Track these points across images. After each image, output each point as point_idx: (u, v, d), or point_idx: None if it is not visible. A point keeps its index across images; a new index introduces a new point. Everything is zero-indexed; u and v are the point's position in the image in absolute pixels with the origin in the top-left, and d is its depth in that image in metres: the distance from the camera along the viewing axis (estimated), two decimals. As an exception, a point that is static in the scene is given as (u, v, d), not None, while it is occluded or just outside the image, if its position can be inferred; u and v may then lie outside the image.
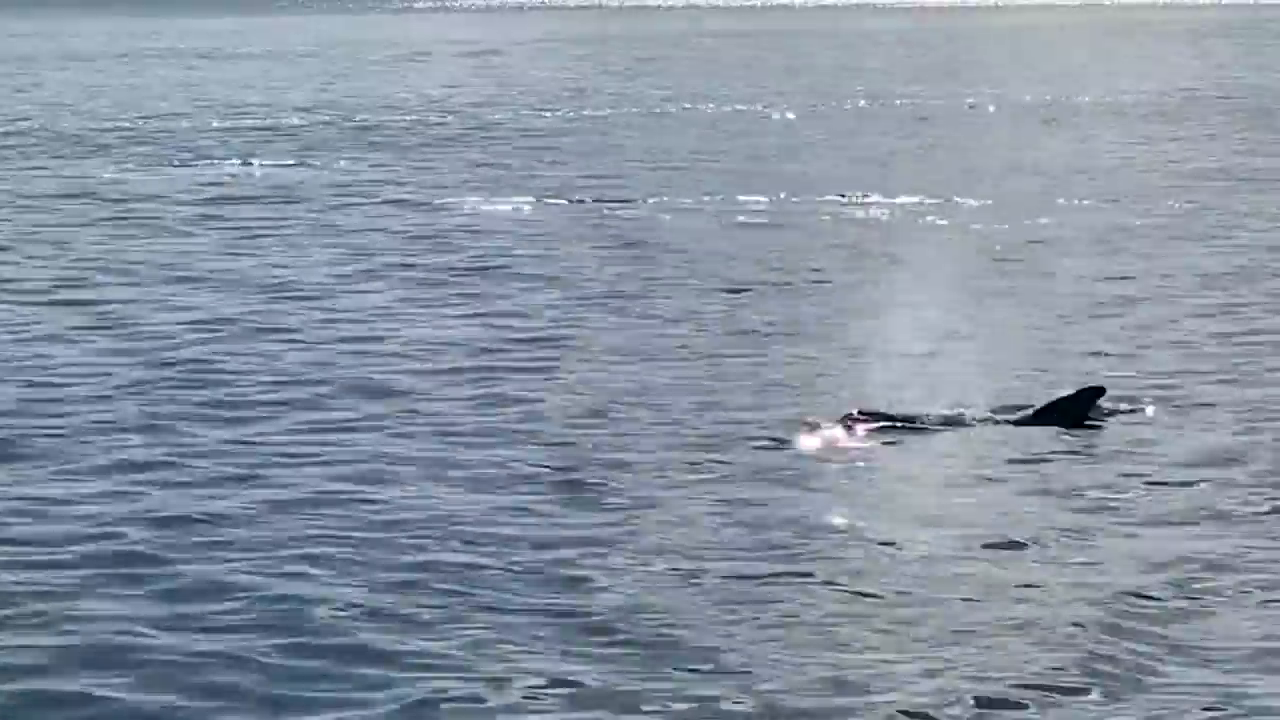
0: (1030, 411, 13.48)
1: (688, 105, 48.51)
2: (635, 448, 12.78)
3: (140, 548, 10.44)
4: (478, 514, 11.15)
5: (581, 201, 27.90)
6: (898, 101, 49.68)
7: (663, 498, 11.51)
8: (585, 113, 46.44)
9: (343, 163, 33.86)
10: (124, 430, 13.42)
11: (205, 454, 12.65)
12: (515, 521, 10.99)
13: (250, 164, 33.67)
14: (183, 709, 8.14)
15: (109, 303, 19.00)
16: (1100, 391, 13.64)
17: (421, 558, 10.26)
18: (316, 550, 10.37)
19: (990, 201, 27.29)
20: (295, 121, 43.17)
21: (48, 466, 12.39)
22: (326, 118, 44.21)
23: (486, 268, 21.54)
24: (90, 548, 10.45)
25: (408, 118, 44.45)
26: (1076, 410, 13.42)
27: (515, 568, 10.07)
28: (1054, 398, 13.58)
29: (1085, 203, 27.31)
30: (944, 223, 25.56)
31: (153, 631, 9.01)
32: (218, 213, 26.77)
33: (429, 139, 39.15)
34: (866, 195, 28.14)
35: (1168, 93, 51.28)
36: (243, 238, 24.16)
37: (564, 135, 39.99)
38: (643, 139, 39.16)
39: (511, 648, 8.79)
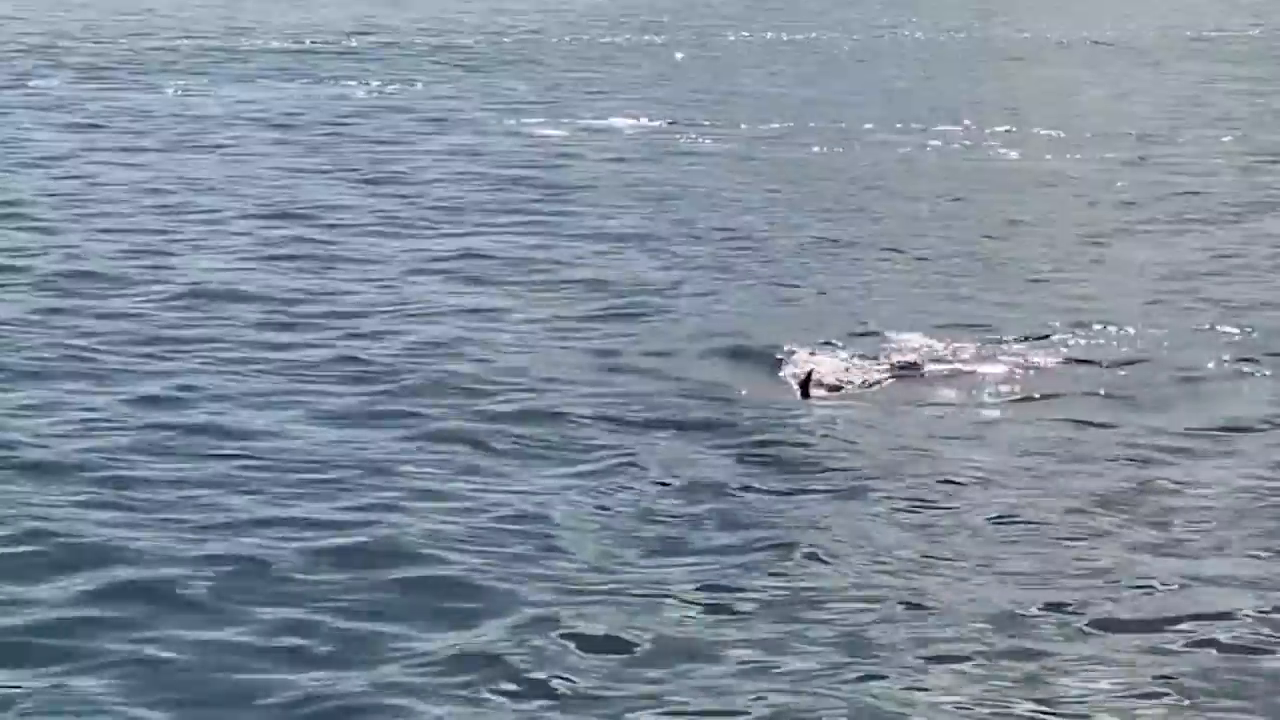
0: None
1: (745, 34, 48.04)
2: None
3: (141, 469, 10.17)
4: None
5: (666, 123, 27.74)
6: (942, 38, 49.04)
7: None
8: (645, 38, 46.01)
9: (400, 85, 33.50)
10: (128, 353, 13.16)
11: (209, 380, 12.37)
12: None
13: (312, 86, 33.27)
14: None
15: (148, 231, 18.53)
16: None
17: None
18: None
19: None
20: (351, 44, 42.73)
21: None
22: (381, 39, 43.73)
23: (553, 192, 21.33)
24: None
25: (465, 40, 43.97)
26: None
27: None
28: None
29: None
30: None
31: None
32: (284, 136, 26.38)
33: (487, 62, 38.71)
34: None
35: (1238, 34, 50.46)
36: (304, 163, 23.75)
37: (625, 59, 39.58)
38: (703, 65, 38.78)
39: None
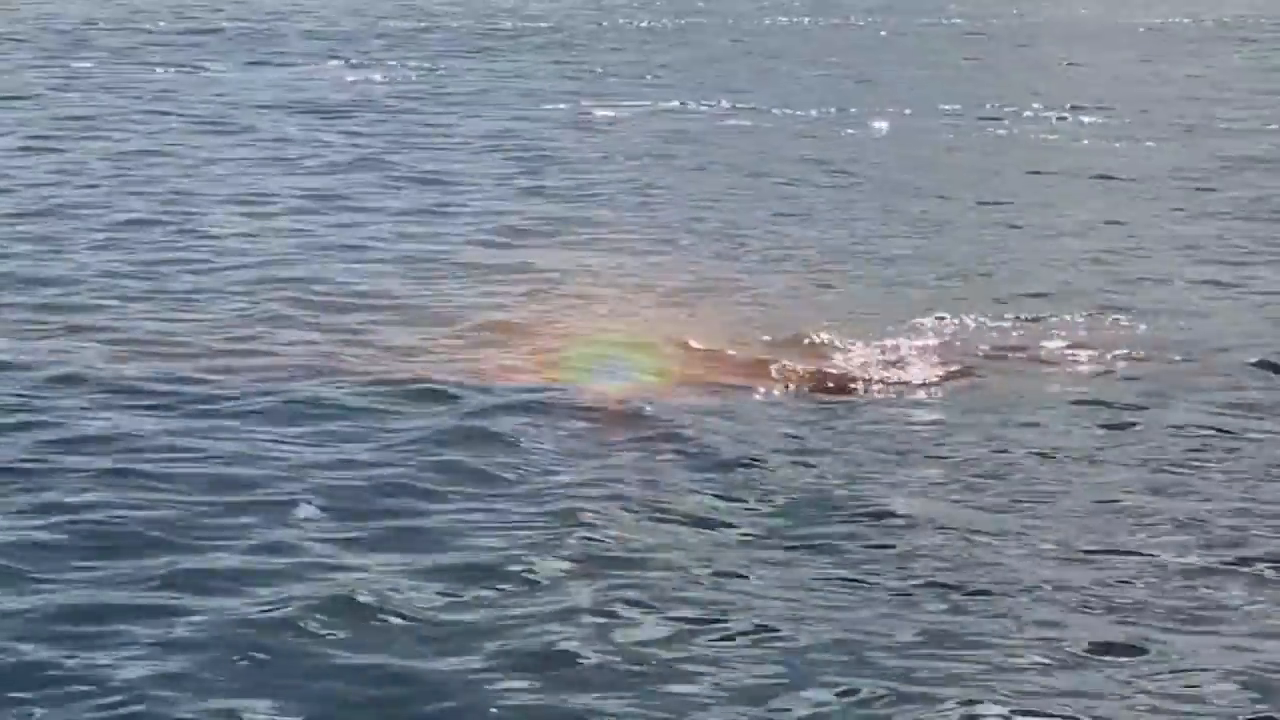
0: None
1: (782, 19, 47.82)
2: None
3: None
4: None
5: (700, 107, 27.65)
6: (994, 21, 48.73)
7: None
8: (681, 21, 45.85)
9: (433, 69, 33.41)
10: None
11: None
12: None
13: (344, 68, 33.21)
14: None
15: (192, 214, 18.39)
16: None
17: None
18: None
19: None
20: (390, 25, 42.70)
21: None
22: (416, 23, 43.68)
23: (582, 178, 21.18)
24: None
25: (501, 23, 43.90)
26: None
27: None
28: None
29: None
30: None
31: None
32: (314, 120, 26.29)
33: (522, 45, 38.62)
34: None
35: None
36: (335, 148, 23.63)
37: (660, 44, 39.45)
38: (740, 50, 38.63)
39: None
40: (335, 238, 17.04)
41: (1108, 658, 7.39)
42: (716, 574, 8.25)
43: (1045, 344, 13.14)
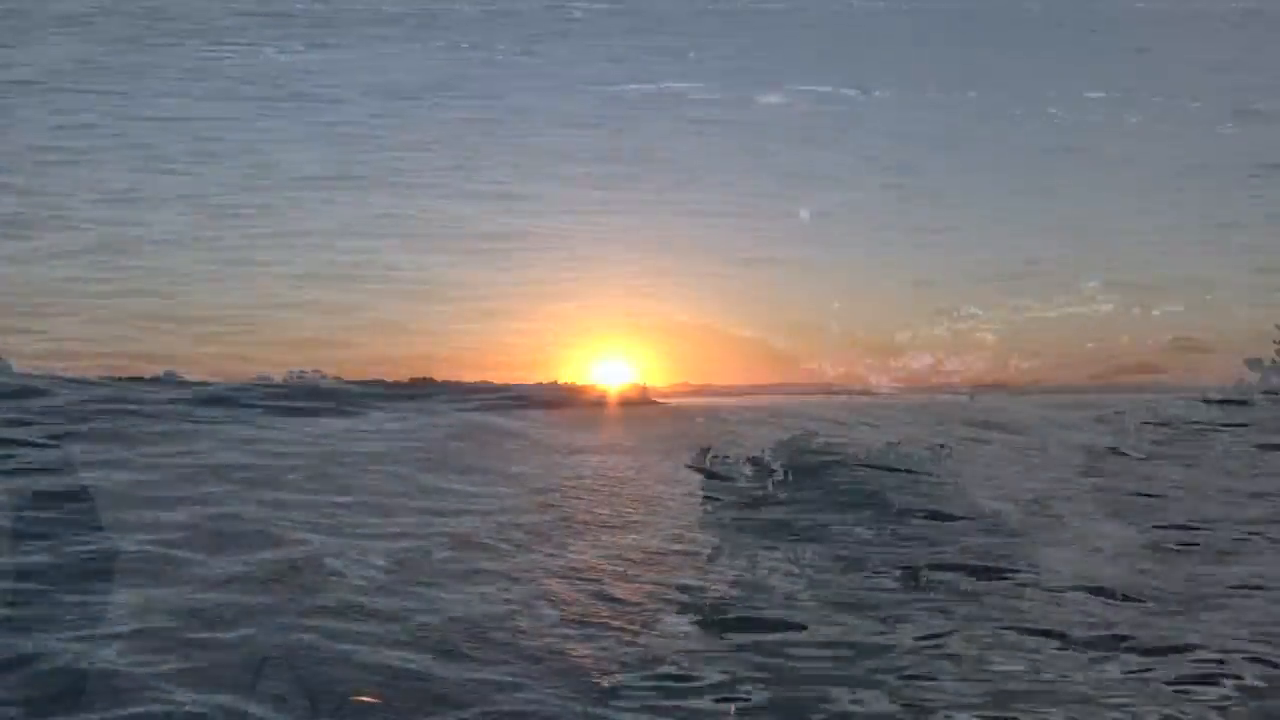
0: None
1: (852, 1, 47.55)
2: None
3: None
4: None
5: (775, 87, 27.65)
6: (1056, 8, 48.27)
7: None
8: (749, 4, 45.72)
9: (497, 50, 33.51)
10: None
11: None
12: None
13: (419, 52, 33.36)
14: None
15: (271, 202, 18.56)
16: None
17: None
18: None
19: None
20: (457, 7, 42.79)
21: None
22: (487, 6, 43.74)
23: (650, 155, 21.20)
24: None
25: (572, 7, 43.89)
26: None
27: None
28: None
29: None
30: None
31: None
32: (387, 101, 26.46)
33: (589, 29, 38.67)
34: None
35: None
36: (406, 127, 23.77)
37: (718, 26, 39.38)
38: (798, 32, 38.52)
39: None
40: (392, 219, 17.20)
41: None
42: (749, 571, 8.33)
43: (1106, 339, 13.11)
